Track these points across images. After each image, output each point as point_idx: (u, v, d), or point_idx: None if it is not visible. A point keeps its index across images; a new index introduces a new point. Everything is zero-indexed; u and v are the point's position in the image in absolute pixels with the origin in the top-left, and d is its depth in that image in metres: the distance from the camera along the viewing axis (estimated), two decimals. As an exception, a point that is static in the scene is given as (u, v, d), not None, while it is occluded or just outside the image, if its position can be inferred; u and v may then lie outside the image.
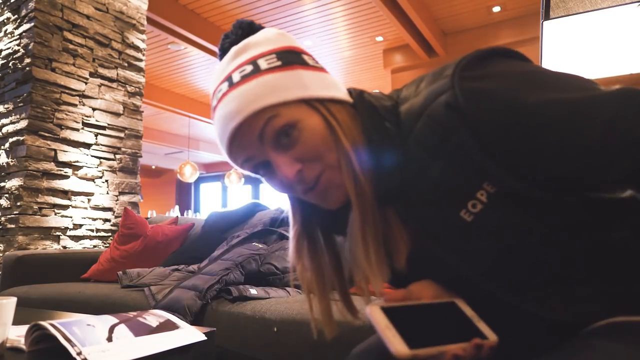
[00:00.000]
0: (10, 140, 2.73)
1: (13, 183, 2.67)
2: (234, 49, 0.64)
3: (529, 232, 0.55)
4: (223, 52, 0.66)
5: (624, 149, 0.51)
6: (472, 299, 0.61)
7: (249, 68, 0.60)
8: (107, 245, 3.00)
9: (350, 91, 0.65)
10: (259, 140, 0.59)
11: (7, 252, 2.39)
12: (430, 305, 0.60)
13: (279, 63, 0.60)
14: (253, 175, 0.65)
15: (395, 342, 0.51)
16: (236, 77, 0.60)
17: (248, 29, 0.66)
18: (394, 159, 0.59)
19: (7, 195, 2.70)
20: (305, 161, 0.59)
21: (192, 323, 1.21)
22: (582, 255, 0.56)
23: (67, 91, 2.84)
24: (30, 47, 2.70)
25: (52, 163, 2.75)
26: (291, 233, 0.68)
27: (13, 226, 2.62)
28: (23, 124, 2.67)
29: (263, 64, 0.60)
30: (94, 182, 2.97)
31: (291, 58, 0.61)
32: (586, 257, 0.56)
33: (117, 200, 3.09)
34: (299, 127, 0.58)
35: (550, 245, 0.56)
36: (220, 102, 0.61)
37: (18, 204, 2.61)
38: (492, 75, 0.55)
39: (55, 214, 2.76)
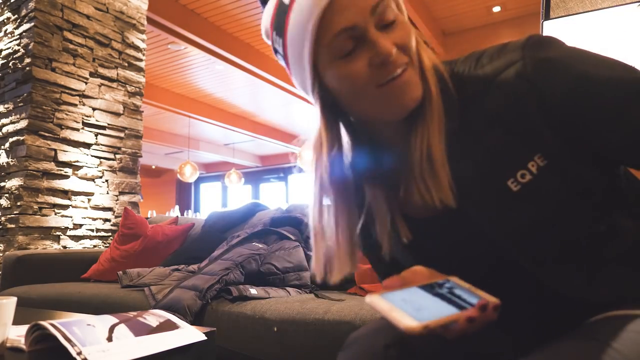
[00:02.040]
0: (11, 140, 2.73)
1: (13, 183, 2.67)
2: None
3: (569, 208, 0.57)
4: None
5: None
6: (494, 271, 0.63)
7: None
8: (107, 245, 3.00)
9: None
10: (371, 11, 0.56)
11: (7, 252, 2.39)
12: (427, 285, 0.61)
13: None
14: (338, 56, 0.58)
15: (404, 320, 0.51)
16: None
17: None
18: (448, 128, 0.59)
19: (7, 195, 2.70)
20: (399, 48, 0.57)
21: (192, 323, 1.21)
22: (612, 238, 0.58)
23: (67, 91, 2.84)
24: (30, 47, 2.70)
25: (52, 163, 2.75)
26: (331, 194, 0.63)
27: (13, 226, 2.62)
28: (23, 123, 2.67)
29: None
30: (94, 182, 2.97)
31: None
32: (615, 240, 0.58)
33: (117, 200, 3.09)
34: (400, 17, 0.58)
35: (585, 224, 0.58)
36: None
37: (18, 203, 2.61)
38: (562, 49, 0.58)
39: (56, 214, 2.76)
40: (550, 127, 0.56)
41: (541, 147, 0.56)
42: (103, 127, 3.02)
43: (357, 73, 0.57)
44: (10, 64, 2.82)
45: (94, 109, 2.98)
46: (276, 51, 0.64)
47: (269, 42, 0.65)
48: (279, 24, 0.60)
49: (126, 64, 3.19)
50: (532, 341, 0.64)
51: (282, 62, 0.64)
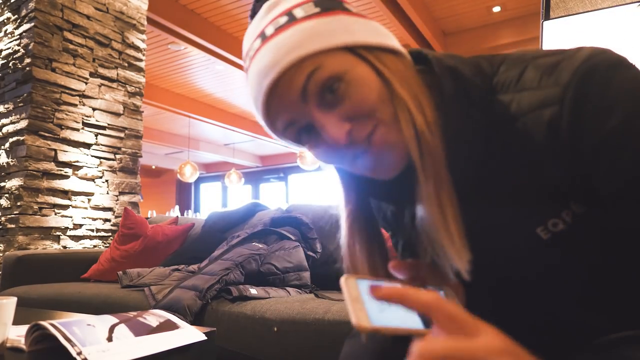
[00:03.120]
0: (11, 140, 2.73)
1: (13, 183, 2.67)
2: (266, 4, 0.55)
3: (600, 260, 0.52)
4: (254, 14, 0.58)
5: None
6: (504, 287, 0.58)
7: (283, 19, 0.52)
8: (107, 245, 3.00)
9: (415, 51, 0.57)
10: (301, 99, 0.50)
11: (7, 252, 2.39)
12: (412, 289, 0.60)
13: (317, 10, 0.52)
14: (294, 146, 0.56)
15: (359, 315, 0.48)
16: (269, 30, 0.52)
17: None
18: (468, 150, 0.51)
19: (7, 195, 2.70)
20: (355, 119, 0.50)
21: (192, 323, 1.21)
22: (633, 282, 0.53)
23: (67, 91, 2.84)
24: (30, 47, 2.70)
25: (52, 163, 2.75)
26: (344, 213, 0.59)
27: (13, 226, 2.63)
28: (23, 124, 2.67)
29: (299, 12, 0.51)
30: (94, 182, 2.97)
31: (331, 4, 0.53)
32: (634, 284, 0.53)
33: (117, 200, 3.09)
34: (345, 79, 0.49)
35: (614, 274, 0.53)
36: (253, 60, 0.52)
37: (18, 204, 2.61)
38: (616, 91, 0.46)
39: (56, 214, 2.76)
40: (577, 188, 0.49)
41: (575, 196, 0.50)
42: (103, 127, 3.03)
43: (326, 156, 0.54)
44: (10, 64, 2.82)
45: (94, 109, 2.98)
46: None
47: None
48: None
49: (126, 64, 3.19)
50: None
51: None
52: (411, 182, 0.51)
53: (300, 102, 0.50)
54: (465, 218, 0.50)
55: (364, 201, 0.59)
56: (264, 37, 0.52)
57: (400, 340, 0.52)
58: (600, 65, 0.47)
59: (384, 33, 0.54)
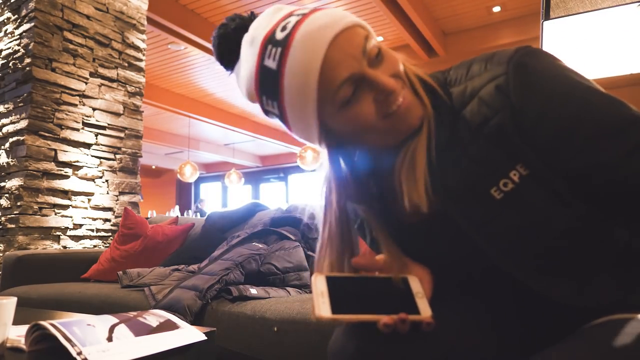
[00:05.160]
0: (11, 140, 2.73)
1: (13, 183, 2.67)
2: (269, 9, 0.65)
3: (552, 217, 0.59)
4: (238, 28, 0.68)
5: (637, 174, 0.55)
6: (479, 273, 0.66)
7: (306, 10, 0.62)
8: (107, 245, 3.00)
9: None
10: (362, 54, 0.58)
11: (7, 252, 2.39)
12: (377, 278, 0.63)
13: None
14: (341, 104, 0.60)
15: (320, 307, 0.53)
16: (301, 11, 0.61)
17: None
18: (439, 137, 0.62)
19: (7, 195, 2.70)
20: (393, 77, 0.60)
21: (192, 323, 1.21)
22: (594, 247, 0.59)
23: (67, 91, 2.84)
24: (30, 47, 2.70)
25: (52, 163, 2.75)
26: (324, 213, 0.67)
27: (13, 226, 2.63)
28: (23, 124, 2.67)
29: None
30: (94, 182, 2.97)
31: None
32: (597, 250, 0.59)
33: (117, 200, 3.10)
34: (382, 47, 0.61)
35: (567, 233, 0.59)
36: (299, 28, 0.59)
37: (18, 204, 2.61)
38: (545, 69, 0.59)
39: (56, 214, 2.76)
40: (526, 140, 0.58)
41: (522, 157, 0.58)
42: (103, 127, 3.03)
43: (365, 113, 0.60)
44: (10, 64, 2.82)
45: (94, 109, 2.98)
46: (268, 112, 0.65)
47: (254, 103, 0.66)
48: (270, 89, 0.61)
49: (126, 64, 3.19)
50: (520, 344, 0.65)
51: (277, 121, 0.66)
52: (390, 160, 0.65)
53: (360, 56, 0.58)
54: (433, 180, 0.62)
55: (343, 203, 0.67)
56: (299, 16, 0.60)
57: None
58: (531, 51, 0.60)
59: None
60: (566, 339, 0.57)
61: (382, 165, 0.68)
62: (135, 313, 0.89)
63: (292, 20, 0.60)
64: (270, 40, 0.60)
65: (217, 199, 12.90)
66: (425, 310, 0.58)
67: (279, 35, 0.59)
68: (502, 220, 0.60)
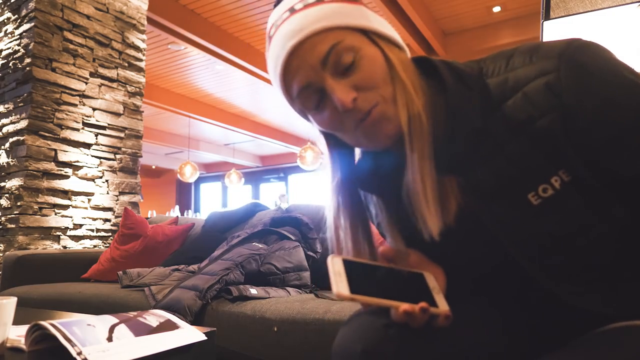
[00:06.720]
0: (11, 140, 2.73)
1: (13, 183, 2.67)
2: None
3: (589, 227, 0.56)
4: (278, 2, 0.66)
5: None
6: (506, 280, 0.63)
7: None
8: (107, 245, 3.00)
9: (419, 58, 0.64)
10: (321, 65, 0.57)
11: (7, 252, 2.39)
12: (395, 270, 0.61)
13: None
14: (301, 114, 0.64)
15: (338, 285, 0.52)
16: (299, 6, 0.60)
17: None
18: (469, 127, 0.58)
19: (7, 195, 2.70)
20: (361, 90, 0.57)
21: (192, 323, 1.21)
22: (627, 256, 0.57)
23: (67, 91, 2.84)
24: (30, 47, 2.70)
25: (52, 163, 2.75)
26: (330, 187, 0.66)
27: (13, 226, 2.62)
28: (23, 124, 2.67)
29: None
30: (94, 182, 2.97)
31: None
32: (629, 259, 0.57)
33: (117, 200, 3.09)
34: (359, 54, 0.57)
35: (603, 244, 0.57)
36: (280, 27, 0.60)
37: (18, 204, 2.61)
38: (602, 67, 0.54)
39: (56, 214, 2.76)
40: (575, 146, 0.54)
41: (566, 162, 0.55)
42: (103, 127, 3.02)
43: (329, 121, 0.60)
44: (10, 64, 2.82)
45: (94, 109, 2.98)
46: None
47: None
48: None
49: (126, 64, 3.19)
50: (529, 348, 0.64)
51: None
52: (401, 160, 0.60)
53: (319, 67, 0.57)
54: (465, 185, 0.59)
55: (350, 181, 0.66)
56: (292, 10, 0.60)
57: (392, 327, 0.55)
58: (584, 45, 0.55)
59: (392, 30, 0.63)
60: (574, 342, 0.56)
61: (383, 166, 0.66)
62: (135, 313, 0.89)
63: (283, 16, 0.61)
64: (274, 21, 0.63)
65: (217, 199, 12.89)
66: (443, 305, 0.57)
67: (277, 22, 0.62)
68: (535, 226, 0.57)
